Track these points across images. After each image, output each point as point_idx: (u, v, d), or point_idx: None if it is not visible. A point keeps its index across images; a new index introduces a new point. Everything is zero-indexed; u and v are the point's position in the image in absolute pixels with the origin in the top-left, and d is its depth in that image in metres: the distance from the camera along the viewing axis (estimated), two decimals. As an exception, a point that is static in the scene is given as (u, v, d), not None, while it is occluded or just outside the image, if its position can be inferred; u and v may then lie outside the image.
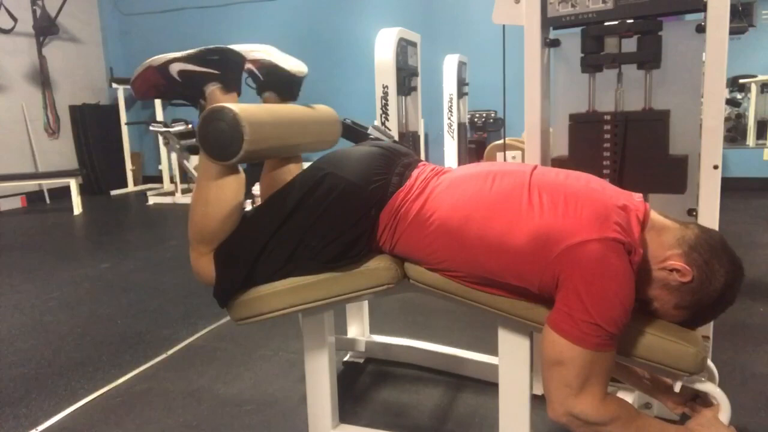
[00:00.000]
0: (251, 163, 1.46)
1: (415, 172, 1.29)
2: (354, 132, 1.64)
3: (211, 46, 1.35)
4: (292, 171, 1.48)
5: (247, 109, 1.21)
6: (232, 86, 1.36)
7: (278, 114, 1.37)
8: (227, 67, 1.36)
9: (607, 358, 1.02)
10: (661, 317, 1.14)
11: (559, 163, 1.64)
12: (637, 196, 1.17)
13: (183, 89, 1.36)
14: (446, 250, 1.18)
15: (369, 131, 1.64)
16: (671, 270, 1.09)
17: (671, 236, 1.11)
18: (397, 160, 1.31)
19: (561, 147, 1.78)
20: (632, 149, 1.54)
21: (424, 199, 1.21)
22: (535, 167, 1.22)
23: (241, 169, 1.30)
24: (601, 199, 1.09)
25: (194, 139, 6.46)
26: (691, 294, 1.09)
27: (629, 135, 1.54)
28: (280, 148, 1.40)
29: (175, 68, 1.33)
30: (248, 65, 1.45)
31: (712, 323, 1.50)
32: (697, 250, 1.09)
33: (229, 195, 1.27)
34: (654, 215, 1.15)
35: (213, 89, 1.34)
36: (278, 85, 1.50)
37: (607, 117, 1.57)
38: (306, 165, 1.38)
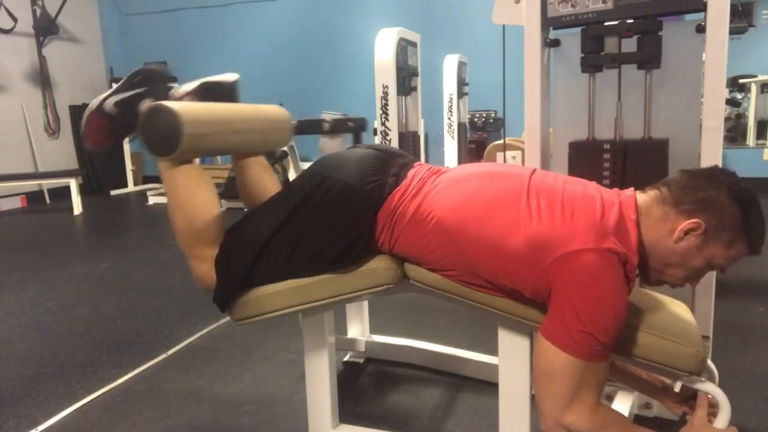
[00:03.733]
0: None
1: (411, 172, 1.29)
2: (307, 123, 1.75)
3: (133, 71, 1.40)
4: (261, 175, 1.54)
5: (182, 103, 1.27)
6: (162, 98, 1.39)
7: (217, 108, 1.40)
8: (153, 82, 1.40)
9: (598, 369, 1.01)
10: (721, 269, 1.11)
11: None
12: (628, 193, 1.16)
13: (123, 119, 1.40)
14: (443, 249, 1.18)
15: (323, 116, 1.76)
16: (686, 233, 1.07)
17: (659, 209, 1.10)
18: (393, 160, 1.31)
19: (561, 148, 1.78)
20: (632, 178, 1.54)
21: (421, 199, 1.21)
22: (534, 171, 1.22)
23: (197, 161, 1.32)
24: (597, 207, 1.08)
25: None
26: (720, 232, 1.05)
27: (629, 164, 1.54)
28: (224, 141, 1.41)
29: (110, 103, 1.38)
30: (184, 98, 1.47)
31: (711, 323, 1.51)
32: (684, 200, 1.07)
33: (196, 191, 1.30)
34: (640, 202, 1.13)
35: (146, 106, 1.36)
36: (213, 97, 1.52)
37: (607, 146, 1.58)
38: (305, 164, 1.43)
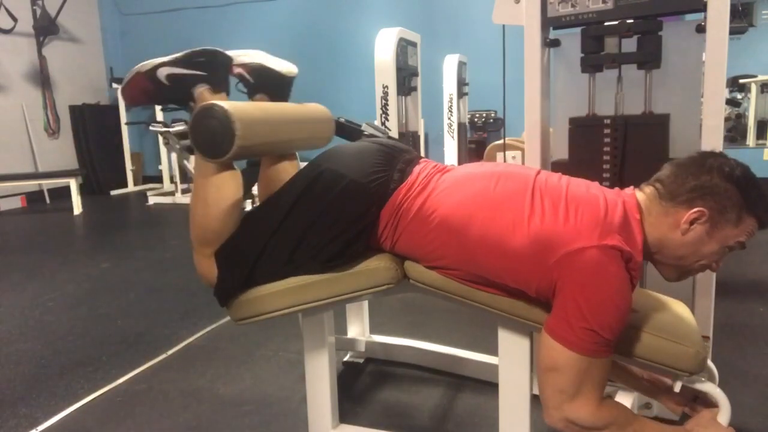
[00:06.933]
0: (250, 161, 1.45)
1: (416, 169, 1.28)
2: (348, 129, 1.65)
3: (198, 49, 1.35)
4: (288, 170, 1.46)
5: (238, 106, 1.21)
6: (220, 87, 1.37)
7: (270, 111, 1.37)
8: (214, 68, 1.36)
9: (602, 365, 1.02)
10: (741, 247, 1.10)
11: (558, 166, 1.64)
12: (628, 192, 1.17)
13: (172, 93, 1.37)
14: (446, 247, 1.18)
15: (363, 128, 1.65)
16: (691, 223, 1.07)
17: (658, 205, 1.11)
18: (398, 156, 1.30)
19: (561, 148, 1.78)
20: (632, 153, 1.54)
21: (426, 196, 1.21)
22: (539, 172, 1.22)
23: (236, 166, 1.30)
24: (601, 206, 1.09)
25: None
26: (724, 214, 1.06)
27: (629, 139, 1.54)
28: (273, 145, 1.39)
29: (163, 72, 1.34)
30: (237, 69, 1.46)
31: (711, 323, 1.51)
32: (679, 191, 1.08)
33: (227, 193, 1.27)
34: (640, 201, 1.14)
35: (201, 90, 1.34)
36: (269, 86, 1.50)
37: (607, 121, 1.57)
38: (303, 164, 1.38)
